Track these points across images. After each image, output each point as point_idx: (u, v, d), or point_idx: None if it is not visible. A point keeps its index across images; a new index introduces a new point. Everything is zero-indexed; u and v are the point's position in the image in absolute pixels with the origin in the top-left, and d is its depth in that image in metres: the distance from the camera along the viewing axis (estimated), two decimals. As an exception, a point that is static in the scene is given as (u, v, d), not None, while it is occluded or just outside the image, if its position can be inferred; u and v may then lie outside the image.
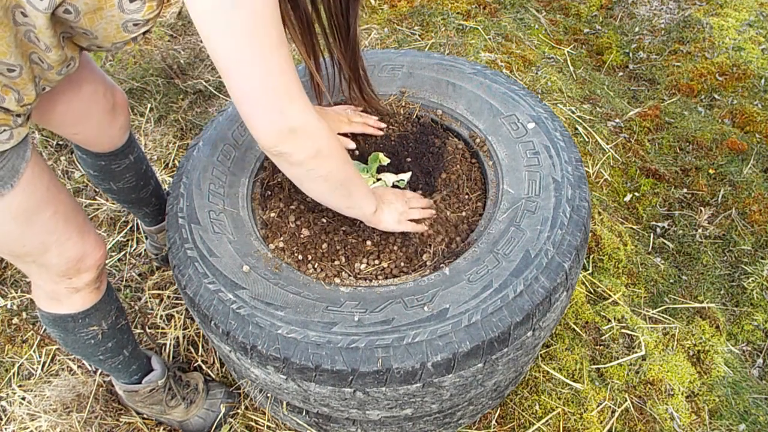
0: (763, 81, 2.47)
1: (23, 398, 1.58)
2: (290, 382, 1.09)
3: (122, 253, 1.89)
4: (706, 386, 1.63)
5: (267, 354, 1.06)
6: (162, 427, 1.53)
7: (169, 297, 1.76)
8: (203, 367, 1.62)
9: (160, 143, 2.19)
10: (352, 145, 1.39)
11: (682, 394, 1.59)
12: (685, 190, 2.14)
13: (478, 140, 1.38)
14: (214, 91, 2.38)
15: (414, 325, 1.05)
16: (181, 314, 1.71)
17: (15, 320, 1.75)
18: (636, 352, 1.63)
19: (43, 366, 1.66)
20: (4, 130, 0.89)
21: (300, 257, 1.21)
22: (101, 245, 1.14)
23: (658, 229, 2.06)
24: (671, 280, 1.92)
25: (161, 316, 1.72)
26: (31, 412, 1.54)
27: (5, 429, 1.54)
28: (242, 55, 0.85)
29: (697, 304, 1.83)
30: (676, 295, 1.88)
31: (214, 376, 1.60)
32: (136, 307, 1.75)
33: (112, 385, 1.57)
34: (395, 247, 1.23)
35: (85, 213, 1.15)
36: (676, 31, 2.80)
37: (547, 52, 2.65)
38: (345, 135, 1.39)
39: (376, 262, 1.21)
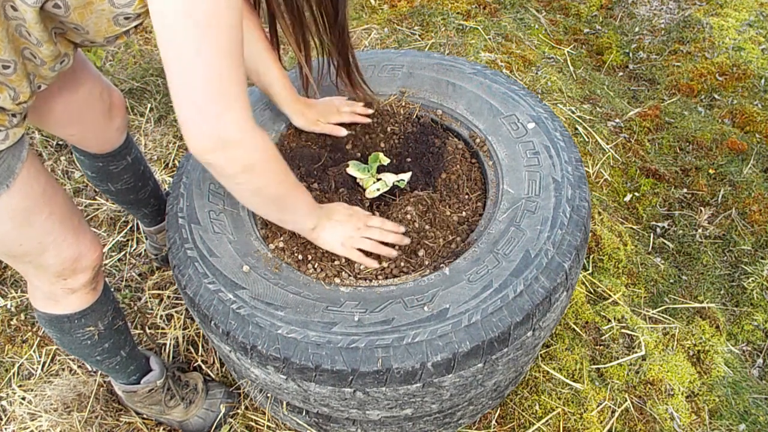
0: (763, 81, 2.47)
1: (23, 398, 1.58)
2: (290, 382, 1.09)
3: (122, 253, 1.89)
4: (706, 386, 1.63)
5: (267, 354, 1.06)
6: (162, 427, 1.53)
7: (169, 297, 1.76)
8: (203, 367, 1.62)
9: (160, 143, 2.19)
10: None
11: (682, 394, 1.59)
12: (685, 190, 2.14)
13: (478, 140, 1.38)
14: (214, 91, 2.38)
15: (414, 325, 1.05)
16: (181, 314, 1.71)
17: (14, 321, 1.75)
18: (636, 352, 1.63)
19: (43, 366, 1.66)
20: (0, 130, 0.89)
21: (300, 257, 1.21)
22: (97, 246, 1.14)
23: (658, 229, 2.06)
24: (671, 280, 1.92)
25: (161, 316, 1.72)
26: (31, 412, 1.54)
27: (5, 429, 1.53)
28: (186, 57, 0.82)
29: (697, 304, 1.83)
30: (676, 295, 1.88)
31: (213, 376, 1.60)
32: (136, 307, 1.75)
33: (113, 385, 1.57)
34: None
35: (81, 213, 1.14)
36: (676, 31, 2.80)
37: (547, 52, 2.64)
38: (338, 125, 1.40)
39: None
